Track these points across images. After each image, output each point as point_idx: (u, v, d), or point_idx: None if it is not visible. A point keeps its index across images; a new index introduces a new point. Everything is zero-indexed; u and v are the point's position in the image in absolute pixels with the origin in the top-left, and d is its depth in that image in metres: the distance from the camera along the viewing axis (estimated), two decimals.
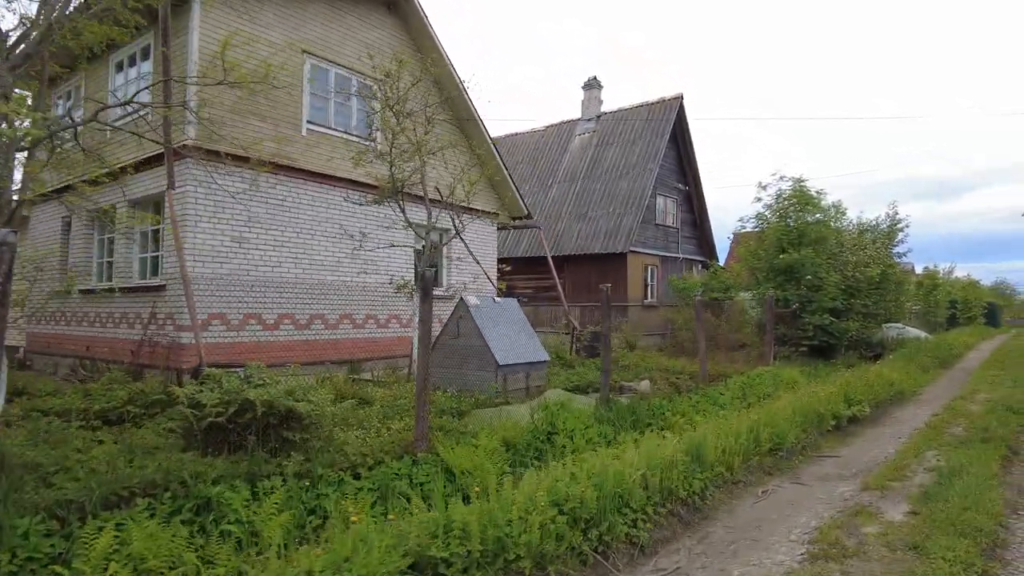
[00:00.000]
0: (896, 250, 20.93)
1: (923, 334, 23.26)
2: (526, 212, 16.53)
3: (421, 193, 9.94)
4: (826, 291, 16.51)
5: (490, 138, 15.11)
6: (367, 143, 11.90)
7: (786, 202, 17.37)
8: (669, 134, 24.15)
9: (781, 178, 17.39)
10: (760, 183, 17.71)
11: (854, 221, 19.74)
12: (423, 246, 10.09)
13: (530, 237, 25.36)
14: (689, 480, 5.77)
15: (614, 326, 22.61)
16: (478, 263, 14.32)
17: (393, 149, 9.33)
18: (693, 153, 25.78)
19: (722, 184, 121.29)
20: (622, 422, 8.56)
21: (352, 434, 6.20)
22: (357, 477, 5.06)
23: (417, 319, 8.93)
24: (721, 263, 26.60)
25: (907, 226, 20.04)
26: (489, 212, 15.68)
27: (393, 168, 9.15)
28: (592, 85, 27.26)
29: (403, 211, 9.30)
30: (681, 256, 25.63)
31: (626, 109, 26.26)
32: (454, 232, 10.14)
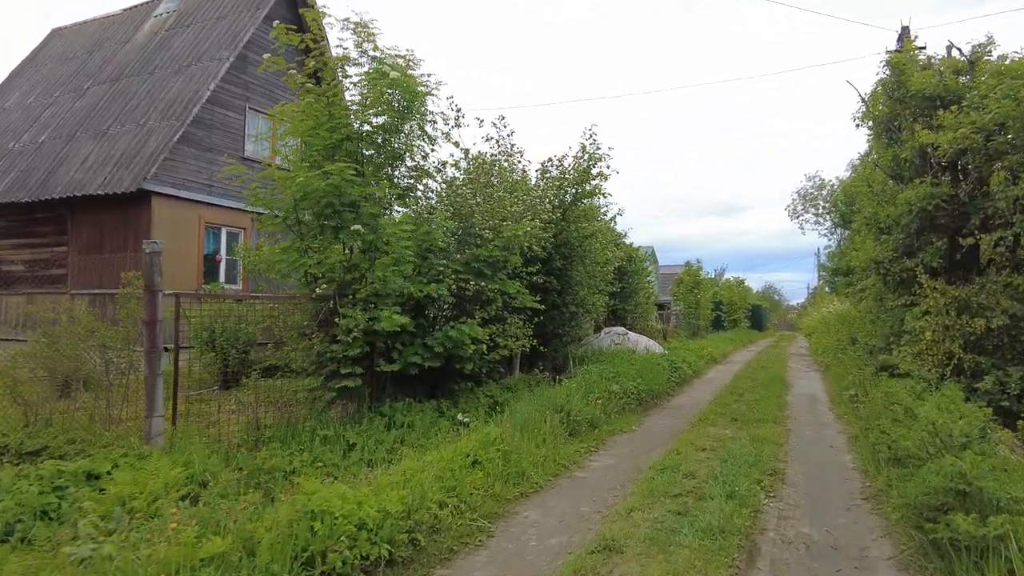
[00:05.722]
0: (599, 206, 12.97)
1: (649, 343, 15.71)
2: None
3: None
4: (401, 256, 7.59)
5: None
6: None
7: (356, 77, 8.19)
8: (269, 7, 14.43)
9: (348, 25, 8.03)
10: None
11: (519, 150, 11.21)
12: None
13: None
14: None
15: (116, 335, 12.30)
16: None
17: None
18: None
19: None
20: None
21: None
22: None
23: None
24: None
25: (609, 167, 11.93)
26: None
27: None
28: None
29: None
30: None
31: None
32: None
